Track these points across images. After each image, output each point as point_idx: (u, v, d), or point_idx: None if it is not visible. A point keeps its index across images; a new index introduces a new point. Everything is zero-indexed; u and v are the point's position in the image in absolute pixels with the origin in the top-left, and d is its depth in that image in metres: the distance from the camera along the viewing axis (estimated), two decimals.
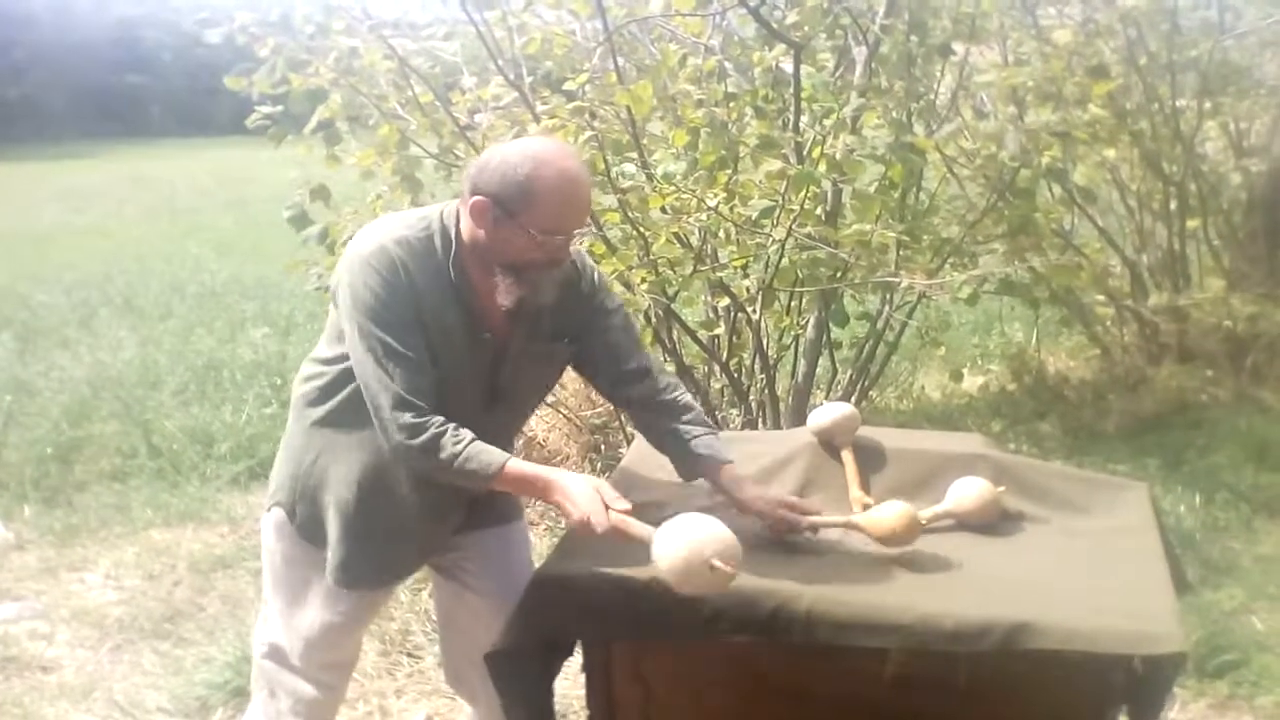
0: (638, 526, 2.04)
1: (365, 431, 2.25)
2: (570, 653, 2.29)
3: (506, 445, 2.45)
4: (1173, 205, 6.17)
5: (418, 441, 2.14)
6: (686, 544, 1.96)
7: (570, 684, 2.35)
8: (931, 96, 4.74)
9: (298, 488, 2.38)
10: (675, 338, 4.54)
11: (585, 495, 2.08)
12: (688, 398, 2.50)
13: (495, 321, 2.26)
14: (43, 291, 10.13)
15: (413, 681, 3.51)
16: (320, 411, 2.33)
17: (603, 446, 4.96)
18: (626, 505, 2.08)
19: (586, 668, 2.31)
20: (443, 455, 2.14)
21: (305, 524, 2.38)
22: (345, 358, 2.25)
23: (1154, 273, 6.36)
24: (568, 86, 4.39)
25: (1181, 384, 5.95)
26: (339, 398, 2.30)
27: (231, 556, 4.45)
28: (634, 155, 4.13)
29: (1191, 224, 6.22)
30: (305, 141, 4.61)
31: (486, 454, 2.16)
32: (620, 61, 4.27)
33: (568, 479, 2.14)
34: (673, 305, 4.32)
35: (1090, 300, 6.21)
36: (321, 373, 2.33)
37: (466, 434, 2.16)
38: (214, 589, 4.22)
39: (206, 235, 13.85)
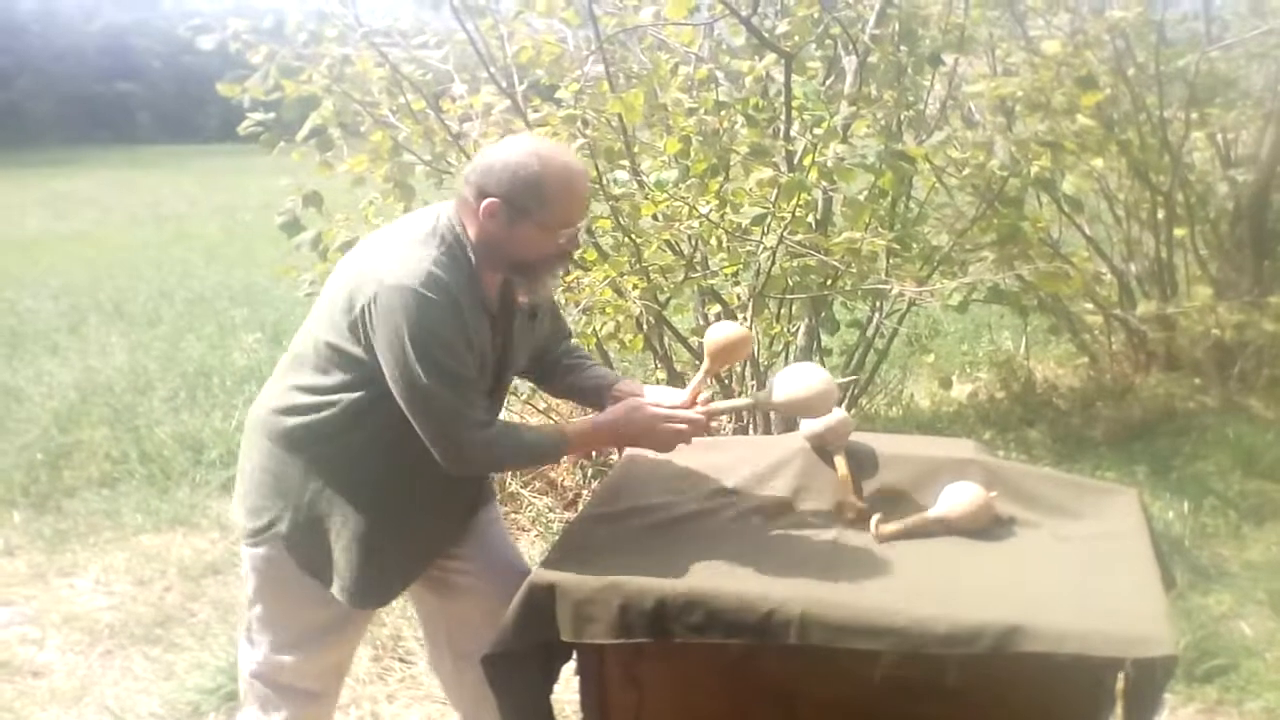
0: (726, 404, 2.52)
1: (383, 456, 2.28)
2: (568, 657, 2.29)
3: None
4: (1160, 214, 6.20)
5: (493, 457, 2.29)
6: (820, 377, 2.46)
7: (563, 688, 2.35)
8: (921, 106, 4.76)
9: (299, 519, 2.34)
10: (667, 344, 4.55)
11: (649, 422, 2.32)
12: (581, 347, 2.72)
13: (499, 313, 2.32)
14: (29, 298, 10.12)
15: (404, 687, 3.51)
16: (333, 444, 2.30)
17: (593, 453, 4.96)
18: (685, 398, 2.37)
19: (580, 671, 2.32)
20: (513, 459, 2.37)
21: (306, 555, 2.36)
22: (352, 385, 2.25)
23: (1142, 281, 6.40)
24: (559, 95, 4.40)
25: (1169, 392, 5.99)
26: (356, 428, 2.28)
27: (222, 562, 4.44)
28: (626, 163, 4.15)
29: (1179, 233, 6.26)
30: (297, 148, 4.62)
31: (546, 436, 2.34)
32: (611, 70, 4.28)
33: (619, 421, 2.34)
34: (664, 312, 4.34)
35: (1078, 309, 6.24)
36: (327, 402, 2.28)
37: (516, 425, 2.31)
38: (205, 594, 4.22)
39: (195, 242, 13.84)
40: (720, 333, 2.53)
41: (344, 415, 2.28)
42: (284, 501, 2.35)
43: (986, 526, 2.39)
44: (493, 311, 2.28)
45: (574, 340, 2.72)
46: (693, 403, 2.41)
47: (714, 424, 2.60)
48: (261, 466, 2.39)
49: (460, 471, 2.26)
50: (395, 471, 2.31)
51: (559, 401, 4.95)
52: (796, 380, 2.50)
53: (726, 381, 4.52)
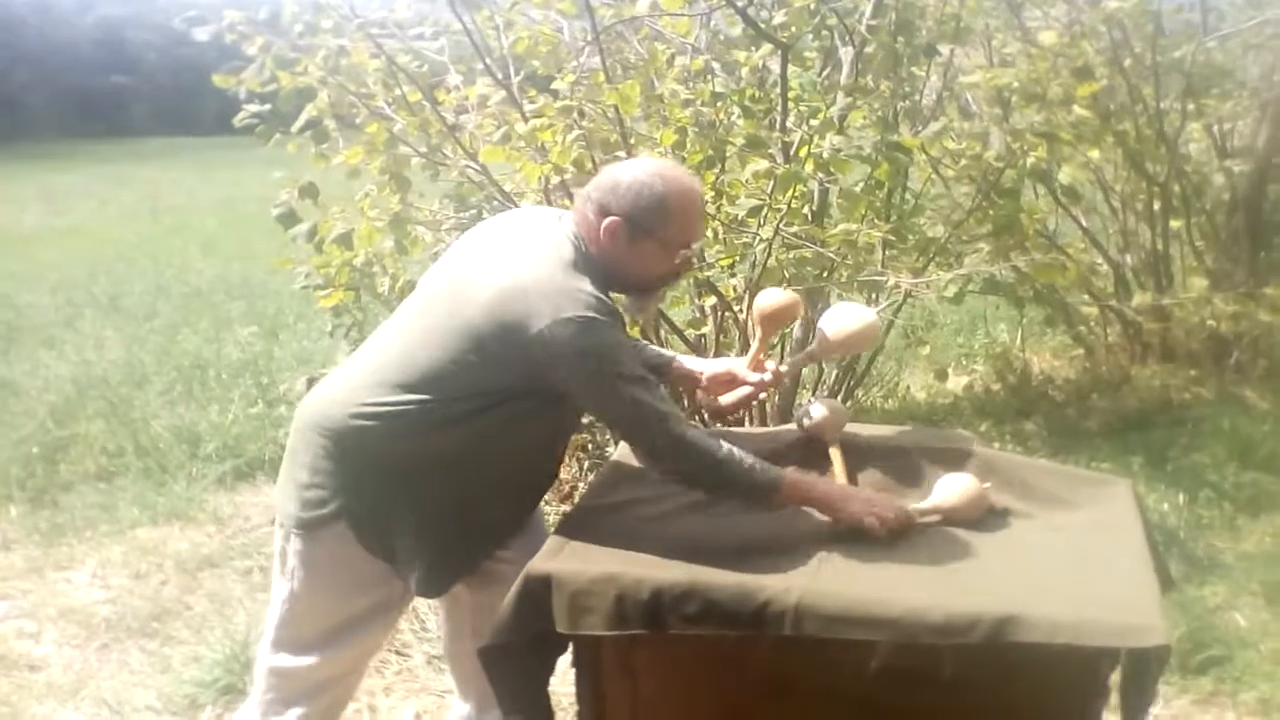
0: (793, 363, 2.72)
1: (465, 459, 2.30)
2: (565, 648, 2.30)
3: None
4: (1156, 206, 6.20)
5: (693, 455, 2.25)
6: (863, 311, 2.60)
7: (559, 680, 2.35)
8: (917, 97, 4.76)
9: (367, 509, 2.34)
10: (663, 336, 4.55)
11: (857, 519, 2.29)
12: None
13: None
14: (27, 291, 10.11)
15: (401, 679, 3.52)
16: (415, 444, 2.30)
17: (590, 445, 4.97)
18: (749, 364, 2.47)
19: (576, 663, 2.32)
20: (732, 473, 2.27)
21: (375, 538, 2.36)
22: (458, 398, 2.26)
23: (1137, 273, 6.40)
24: (555, 86, 4.39)
25: (1165, 383, 5.99)
26: (444, 434, 2.29)
27: (218, 555, 4.44)
28: (622, 154, 4.14)
29: (1175, 224, 6.26)
30: (292, 140, 4.61)
31: (766, 469, 2.31)
32: (607, 61, 4.28)
33: (840, 498, 2.33)
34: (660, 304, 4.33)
35: (1074, 300, 6.25)
36: (420, 412, 2.28)
37: (735, 449, 2.28)
38: (201, 588, 4.22)
39: (191, 235, 13.81)
40: (769, 299, 2.58)
41: (434, 422, 2.28)
42: (350, 492, 2.34)
43: (981, 517, 2.40)
44: None
45: None
46: (758, 368, 2.56)
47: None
48: (320, 459, 2.36)
49: (667, 471, 2.31)
50: (476, 472, 2.33)
51: None
52: (843, 319, 2.62)
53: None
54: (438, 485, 2.33)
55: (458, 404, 2.27)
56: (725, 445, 2.27)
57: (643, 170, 2.33)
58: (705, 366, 2.65)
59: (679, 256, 2.35)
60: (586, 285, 2.22)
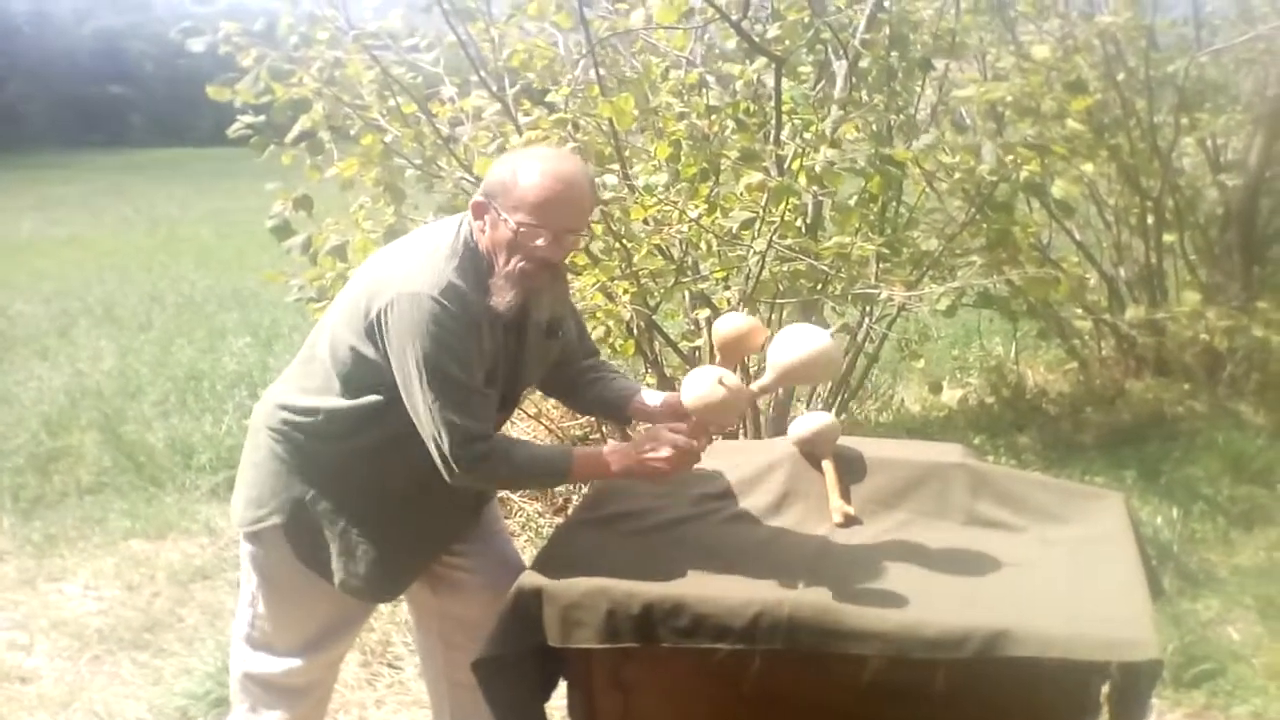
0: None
1: (389, 458, 2.30)
2: (562, 663, 2.29)
3: None
4: (1150, 220, 6.21)
5: (488, 470, 2.23)
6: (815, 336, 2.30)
7: (551, 693, 2.35)
8: (912, 111, 4.77)
9: (300, 513, 2.36)
10: (657, 349, 4.55)
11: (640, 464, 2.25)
12: (608, 363, 2.70)
13: (513, 325, 2.30)
14: (21, 301, 10.11)
15: (393, 692, 3.50)
16: (341, 443, 2.32)
17: None
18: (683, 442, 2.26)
19: (567, 676, 2.32)
20: (509, 476, 2.32)
21: (305, 547, 2.38)
22: (365, 389, 2.26)
23: (1131, 286, 6.41)
24: (550, 98, 4.40)
25: (1158, 397, 5.99)
26: (365, 430, 2.30)
27: (211, 567, 4.43)
28: (616, 167, 4.15)
29: (1168, 238, 6.27)
30: (286, 151, 4.61)
31: (549, 456, 2.34)
32: (602, 73, 4.28)
33: (621, 449, 2.30)
34: (654, 317, 4.33)
35: (1068, 314, 6.25)
36: (338, 404, 2.30)
37: (517, 442, 2.30)
38: (193, 599, 4.21)
39: (186, 245, 13.82)
40: (729, 324, 2.38)
41: (354, 417, 2.29)
42: (286, 495, 2.37)
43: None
44: (506, 323, 2.27)
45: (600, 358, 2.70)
46: None
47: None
48: (264, 460, 2.40)
49: (457, 483, 2.25)
50: (401, 472, 2.32)
51: (552, 404, 4.96)
52: (789, 346, 2.32)
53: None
54: (362, 486, 2.34)
55: (370, 398, 2.27)
56: (499, 454, 2.22)
57: (518, 154, 2.31)
58: (657, 398, 2.51)
59: (527, 237, 2.17)
60: (448, 273, 2.18)
